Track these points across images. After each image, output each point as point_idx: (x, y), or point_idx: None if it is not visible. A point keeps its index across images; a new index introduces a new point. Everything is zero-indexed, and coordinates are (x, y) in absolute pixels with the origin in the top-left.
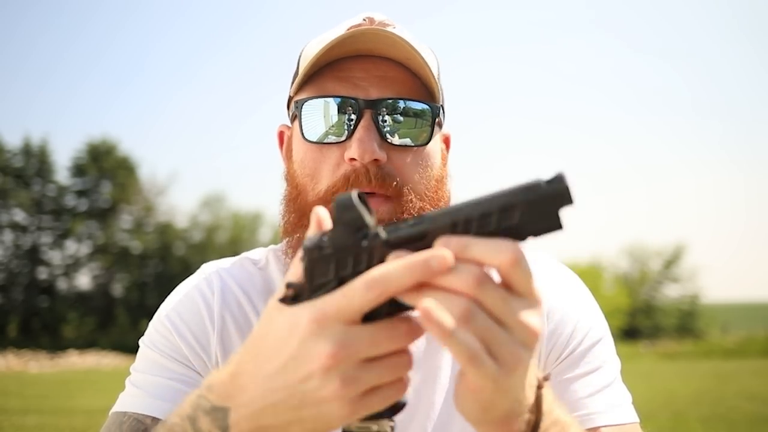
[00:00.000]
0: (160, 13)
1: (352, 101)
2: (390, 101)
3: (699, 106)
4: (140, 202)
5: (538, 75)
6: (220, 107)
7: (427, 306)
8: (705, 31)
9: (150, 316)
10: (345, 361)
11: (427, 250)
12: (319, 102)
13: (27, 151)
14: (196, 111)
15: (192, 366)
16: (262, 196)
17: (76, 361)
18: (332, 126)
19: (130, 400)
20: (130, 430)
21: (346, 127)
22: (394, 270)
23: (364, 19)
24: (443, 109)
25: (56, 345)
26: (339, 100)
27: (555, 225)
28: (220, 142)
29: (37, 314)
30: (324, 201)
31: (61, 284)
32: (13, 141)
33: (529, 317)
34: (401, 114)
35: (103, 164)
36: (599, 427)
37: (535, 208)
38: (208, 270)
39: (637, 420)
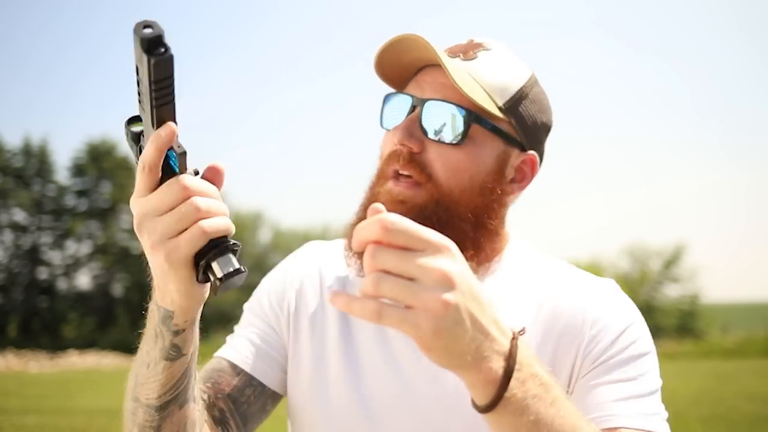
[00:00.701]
0: (160, 13)
1: (410, 98)
2: (434, 101)
3: (699, 106)
4: None
5: (538, 75)
6: (220, 107)
7: (333, 289)
8: (705, 31)
9: None
10: (143, 221)
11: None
12: (393, 96)
13: (27, 151)
14: (195, 111)
15: (269, 321)
16: (262, 196)
17: (76, 361)
18: (396, 116)
19: (221, 348)
20: (209, 366)
21: (402, 118)
22: (147, 147)
23: (467, 41)
24: (518, 126)
25: (56, 345)
26: (402, 95)
27: (152, 46)
28: (219, 141)
29: (37, 314)
30: (379, 177)
31: (61, 284)
32: (13, 141)
33: (431, 262)
34: (442, 114)
35: (103, 164)
36: (618, 428)
37: (137, 45)
38: (309, 244)
39: None
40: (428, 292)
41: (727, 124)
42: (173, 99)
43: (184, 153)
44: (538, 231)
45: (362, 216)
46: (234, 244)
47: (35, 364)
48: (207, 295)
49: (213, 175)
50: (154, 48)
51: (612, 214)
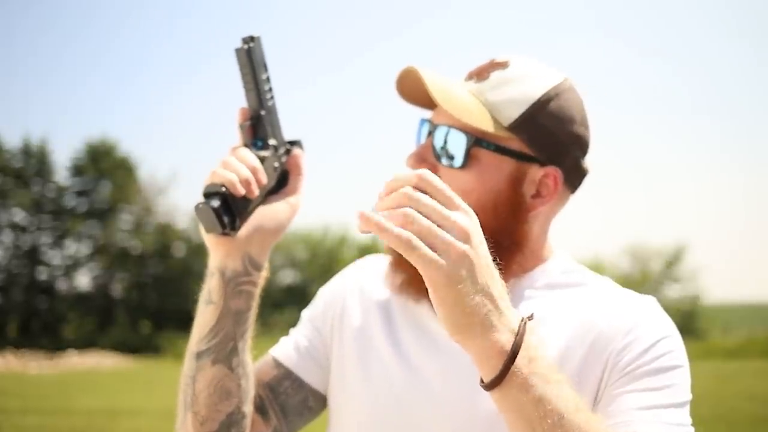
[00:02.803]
0: (160, 13)
1: (428, 123)
2: (441, 127)
3: (699, 107)
4: (140, 202)
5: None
6: (221, 107)
7: (362, 211)
8: (704, 32)
9: (150, 317)
10: (224, 158)
11: None
12: (423, 121)
13: (26, 151)
14: (196, 111)
15: (316, 324)
16: None
17: (75, 361)
18: (419, 141)
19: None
20: (260, 361)
21: (422, 142)
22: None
23: (488, 61)
24: (532, 141)
25: (56, 345)
26: (424, 121)
27: None
28: (220, 142)
29: (36, 314)
30: None
31: (61, 284)
32: (13, 141)
33: (456, 218)
34: (447, 139)
35: (103, 164)
36: None
37: None
38: (368, 256)
39: None
40: (450, 240)
41: (727, 125)
42: (252, 88)
43: (241, 127)
44: None
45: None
46: (221, 193)
47: (35, 365)
48: (221, 246)
49: (292, 160)
50: (241, 44)
51: (612, 214)
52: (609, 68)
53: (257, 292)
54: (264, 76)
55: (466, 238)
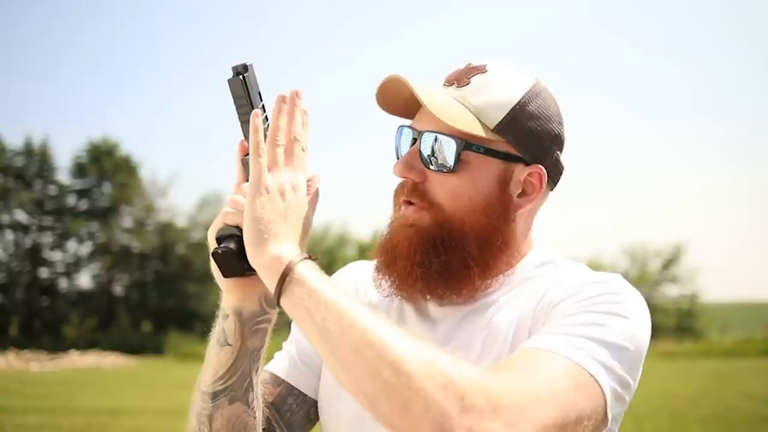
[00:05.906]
0: (160, 13)
1: (412, 130)
2: (428, 133)
3: (701, 106)
4: (141, 202)
5: (540, 74)
6: (221, 107)
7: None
8: (708, 31)
9: (150, 316)
10: (230, 198)
11: None
12: (402, 129)
13: (28, 151)
14: (196, 111)
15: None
16: None
17: (76, 360)
18: (403, 148)
19: (269, 363)
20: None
21: (406, 149)
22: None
23: (465, 66)
24: (517, 142)
25: (57, 344)
26: (406, 128)
27: None
28: (220, 142)
29: (38, 314)
30: (396, 204)
31: (62, 284)
32: (15, 141)
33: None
34: (435, 145)
35: (104, 164)
36: (530, 347)
37: None
38: (352, 264)
39: (599, 384)
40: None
41: (729, 125)
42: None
43: (242, 161)
44: (538, 231)
45: (389, 236)
46: (237, 235)
47: (36, 364)
48: (238, 288)
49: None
50: (232, 74)
51: (613, 213)
52: (612, 68)
53: (271, 327)
54: (260, 105)
55: (295, 185)
